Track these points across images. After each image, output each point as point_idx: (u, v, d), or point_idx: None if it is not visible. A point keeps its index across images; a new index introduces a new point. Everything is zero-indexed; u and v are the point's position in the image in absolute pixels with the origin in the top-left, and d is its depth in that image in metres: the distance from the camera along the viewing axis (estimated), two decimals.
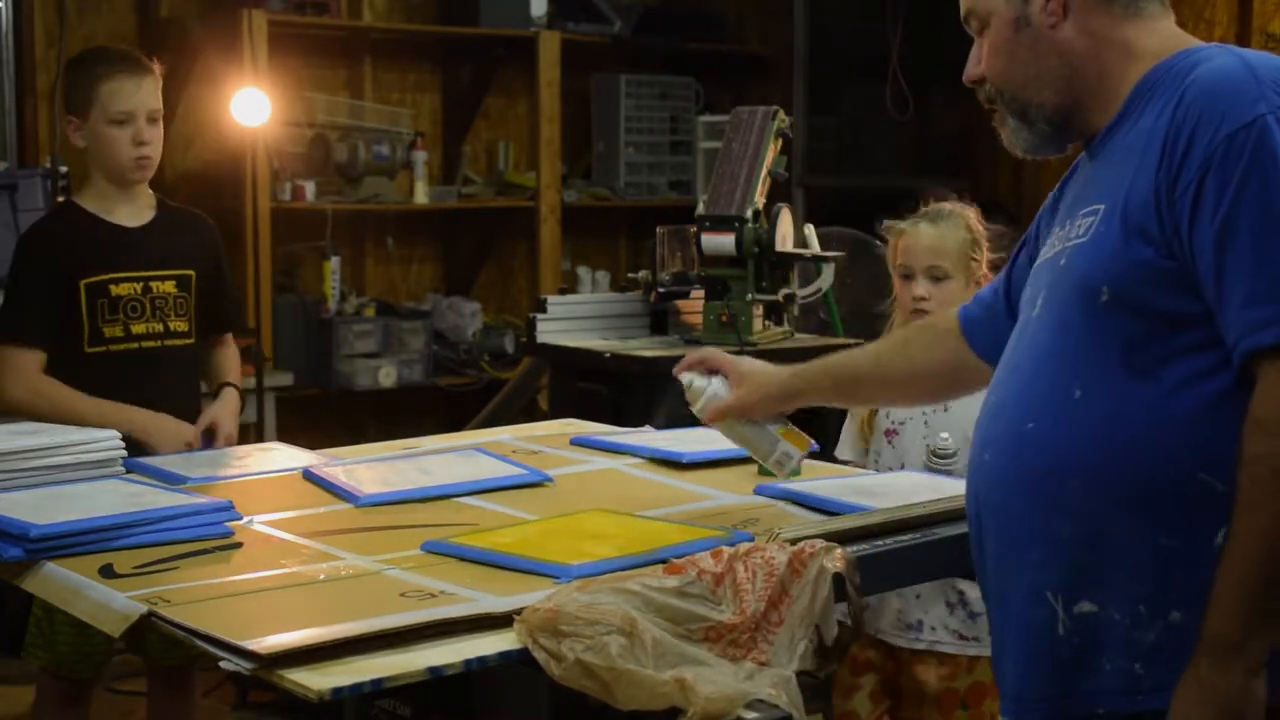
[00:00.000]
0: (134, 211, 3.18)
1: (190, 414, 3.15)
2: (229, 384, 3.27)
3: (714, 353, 2.35)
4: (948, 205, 3.02)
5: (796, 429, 2.35)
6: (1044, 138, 1.91)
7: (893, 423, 2.98)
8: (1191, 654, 1.61)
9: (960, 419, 2.87)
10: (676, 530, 2.16)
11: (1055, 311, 1.76)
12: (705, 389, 2.30)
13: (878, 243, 4.61)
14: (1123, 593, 1.66)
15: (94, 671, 3.10)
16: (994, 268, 2.99)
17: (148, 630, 2.92)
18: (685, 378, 2.33)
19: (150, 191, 3.24)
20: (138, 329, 3.12)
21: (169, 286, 3.17)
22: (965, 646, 2.87)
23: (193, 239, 3.26)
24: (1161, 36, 1.85)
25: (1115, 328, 1.68)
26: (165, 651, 3.10)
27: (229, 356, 3.37)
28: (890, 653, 2.90)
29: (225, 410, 3.19)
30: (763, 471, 2.59)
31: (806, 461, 2.68)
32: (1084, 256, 1.73)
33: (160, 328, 3.15)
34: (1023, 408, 1.75)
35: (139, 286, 3.13)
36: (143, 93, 3.10)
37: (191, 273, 3.20)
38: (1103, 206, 1.74)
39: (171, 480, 2.55)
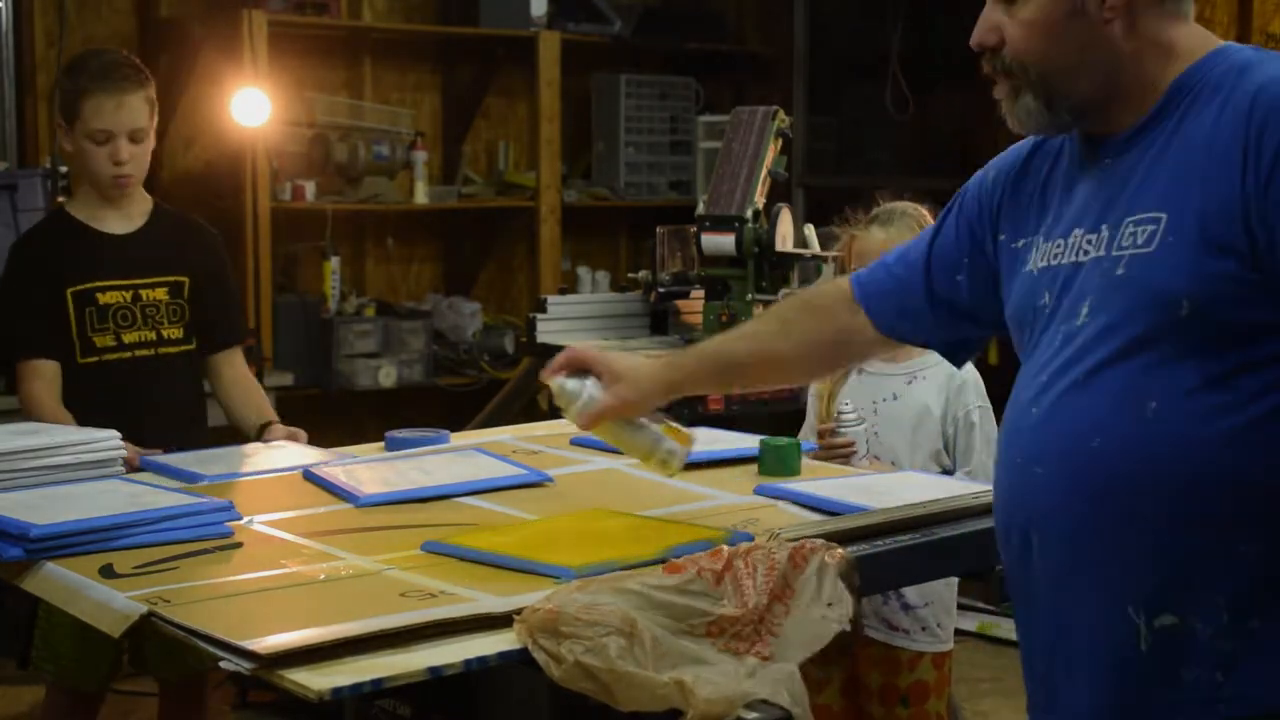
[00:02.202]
0: (123, 218, 3.13)
1: (193, 421, 3.12)
2: (272, 422, 3.11)
3: (583, 351, 2.22)
4: (899, 206, 3.03)
5: (676, 424, 2.27)
6: (1058, 125, 1.83)
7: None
8: None
9: (910, 405, 2.91)
10: (676, 530, 2.16)
11: (1119, 322, 1.69)
12: (580, 393, 2.17)
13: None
14: (1205, 604, 1.65)
15: (99, 684, 3.06)
16: None
17: (145, 642, 2.92)
18: (555, 382, 2.20)
19: (146, 196, 3.20)
20: (129, 338, 3.08)
21: (160, 294, 3.11)
22: (893, 636, 2.90)
23: (187, 245, 3.19)
24: (1197, 36, 1.78)
25: (1193, 341, 1.64)
26: (165, 665, 3.07)
27: (250, 389, 3.23)
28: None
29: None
30: (763, 471, 2.60)
31: (806, 462, 2.69)
32: (1154, 268, 1.67)
33: (153, 336, 3.10)
34: (1087, 423, 1.70)
35: (128, 295, 3.08)
36: (124, 111, 3.03)
37: (184, 279, 3.14)
38: (1165, 215, 1.68)
39: (184, 478, 2.56)
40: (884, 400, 2.96)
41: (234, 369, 3.23)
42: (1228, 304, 1.63)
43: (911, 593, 2.88)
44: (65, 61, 3.18)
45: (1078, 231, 1.78)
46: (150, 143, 3.11)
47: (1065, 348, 1.75)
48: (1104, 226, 1.75)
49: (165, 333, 3.12)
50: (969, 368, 2.98)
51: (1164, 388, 1.65)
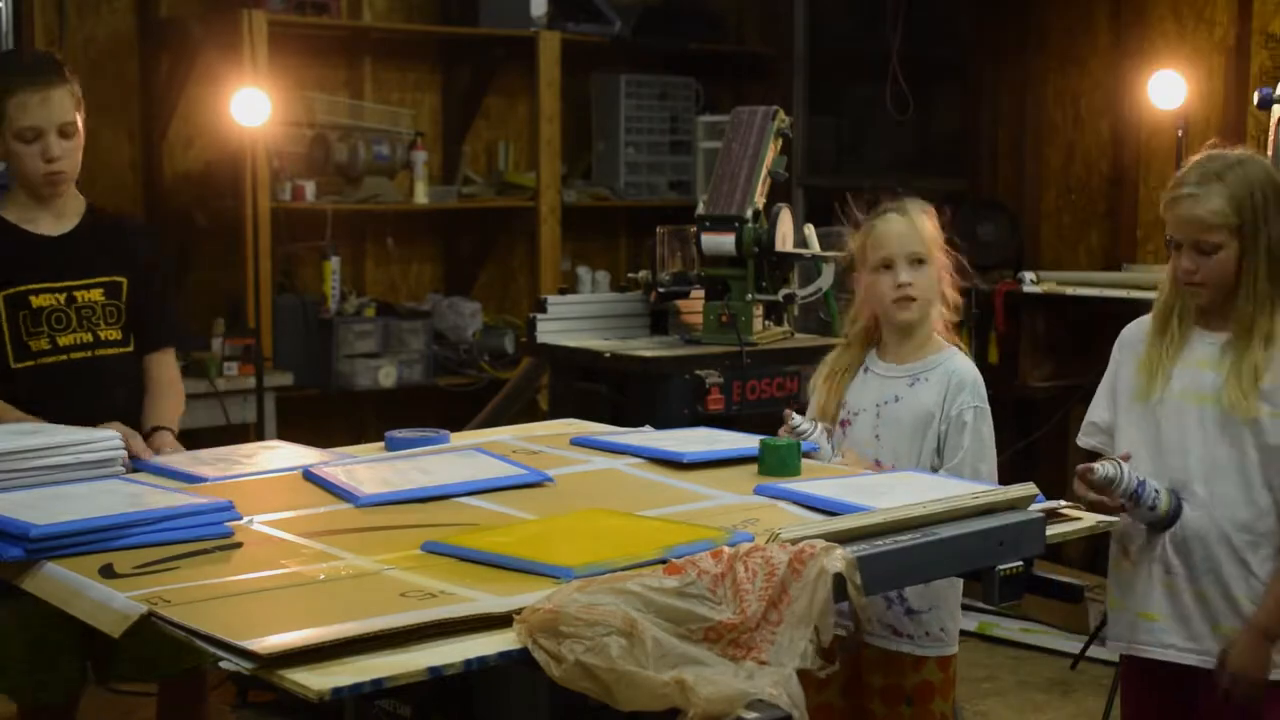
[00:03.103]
0: (56, 220, 3.08)
1: (136, 424, 3.01)
2: (161, 428, 3.03)
3: None
4: (907, 199, 3.02)
5: None
6: None
7: (848, 413, 3.00)
8: None
9: (912, 406, 2.91)
10: (676, 530, 2.16)
11: None
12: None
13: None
14: None
15: (64, 698, 2.97)
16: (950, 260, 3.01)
17: (116, 654, 2.88)
18: None
19: (80, 197, 3.15)
20: (65, 340, 3.02)
21: (96, 294, 3.06)
22: (899, 643, 2.89)
23: (123, 245, 3.14)
24: None
25: None
26: (165, 663, 3.01)
27: (165, 385, 3.15)
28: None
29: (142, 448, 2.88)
30: (763, 471, 2.60)
31: (806, 462, 2.69)
32: None
33: (89, 338, 3.04)
34: None
35: (62, 297, 3.02)
36: (50, 107, 3.00)
37: (122, 280, 3.09)
38: None
39: (184, 479, 2.56)
40: (886, 402, 2.96)
41: (161, 370, 3.16)
42: None
43: (915, 598, 2.88)
44: None
45: None
46: (80, 139, 3.07)
47: None
48: None
49: (103, 334, 3.06)
50: (970, 368, 2.98)
51: None
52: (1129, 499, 2.68)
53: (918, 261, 2.93)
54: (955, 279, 3.02)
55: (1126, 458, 2.73)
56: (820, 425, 2.94)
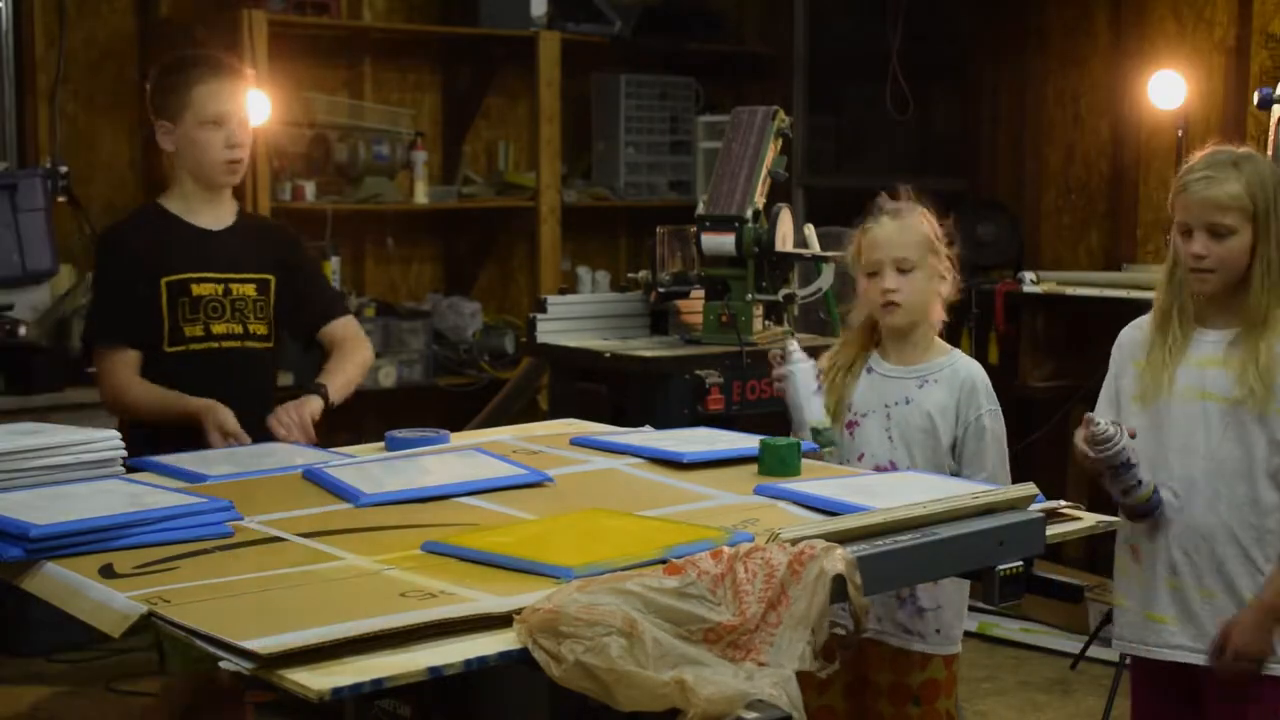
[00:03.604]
0: (216, 215, 3.24)
1: (262, 418, 3.11)
2: (315, 391, 3.18)
3: None
4: (904, 202, 3.04)
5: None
6: None
7: (855, 415, 3.01)
8: None
9: (922, 408, 2.91)
10: (676, 530, 2.16)
11: None
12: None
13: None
14: None
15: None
16: (954, 262, 3.01)
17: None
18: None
19: (233, 199, 3.30)
20: (218, 329, 3.18)
21: (249, 289, 3.22)
22: (909, 640, 2.90)
23: (273, 244, 3.32)
24: None
25: None
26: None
27: (348, 347, 3.32)
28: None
29: (292, 413, 3.08)
30: (763, 471, 2.60)
31: (806, 462, 2.69)
32: None
33: (240, 329, 3.20)
34: None
35: (220, 288, 3.18)
36: (237, 96, 3.17)
37: (271, 277, 3.25)
38: None
39: (186, 478, 2.56)
40: (896, 404, 2.95)
41: (346, 329, 3.36)
42: None
43: (925, 596, 2.89)
44: (159, 65, 3.28)
45: None
46: (250, 133, 3.23)
47: None
48: None
49: (251, 328, 3.22)
50: (979, 370, 2.97)
51: None
52: (1112, 468, 2.70)
53: (905, 268, 2.95)
54: (957, 281, 3.03)
55: (1133, 434, 2.74)
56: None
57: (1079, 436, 2.74)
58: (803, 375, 2.97)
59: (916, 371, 2.97)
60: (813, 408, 2.95)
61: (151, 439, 2.95)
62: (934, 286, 2.98)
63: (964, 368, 2.97)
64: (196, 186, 3.21)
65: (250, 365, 3.23)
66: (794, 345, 3.01)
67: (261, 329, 3.24)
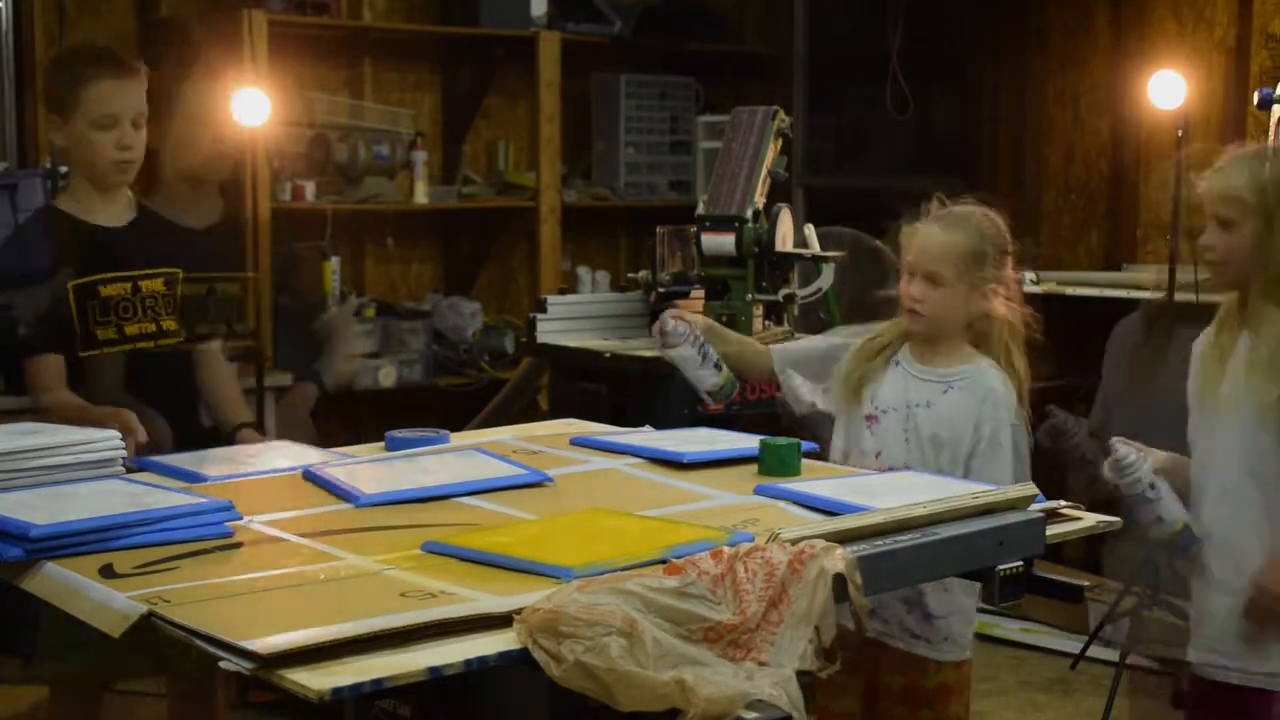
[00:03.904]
0: (114, 213, 3.15)
1: (190, 414, 3.12)
2: (245, 425, 3.18)
3: None
4: (962, 209, 2.97)
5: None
6: None
7: (876, 409, 2.97)
8: None
9: (943, 413, 2.89)
10: (676, 530, 2.16)
11: None
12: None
13: (878, 242, 4.62)
14: None
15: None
16: (1011, 280, 2.96)
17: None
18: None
19: (129, 193, 3.21)
20: (131, 330, 3.09)
21: (158, 285, 3.13)
22: (915, 645, 2.90)
23: (173, 237, 3.23)
24: None
25: None
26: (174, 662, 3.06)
27: (227, 376, 3.28)
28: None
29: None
30: (763, 471, 2.60)
31: (806, 462, 2.69)
32: None
33: (153, 327, 3.12)
34: None
35: (128, 286, 3.09)
36: (128, 96, 3.08)
37: (177, 271, 3.16)
38: None
39: (185, 478, 2.56)
40: (918, 405, 2.92)
41: (218, 361, 3.28)
42: None
43: (934, 603, 2.87)
44: (50, 59, 3.18)
45: None
46: (145, 130, 3.14)
47: None
48: None
49: (164, 324, 3.13)
50: (1003, 383, 2.91)
51: None
52: (1131, 498, 2.68)
53: (937, 281, 2.90)
54: (1016, 293, 2.97)
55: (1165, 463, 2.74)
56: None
57: (1105, 464, 2.73)
58: (682, 360, 3.07)
59: (942, 376, 2.93)
60: (704, 381, 3.08)
61: None
62: (968, 301, 2.91)
63: (987, 378, 2.91)
64: (91, 186, 3.13)
65: (167, 363, 3.15)
66: (671, 325, 3.09)
67: (172, 324, 3.15)
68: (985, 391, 2.90)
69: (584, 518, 2.27)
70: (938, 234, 2.92)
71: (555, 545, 2.08)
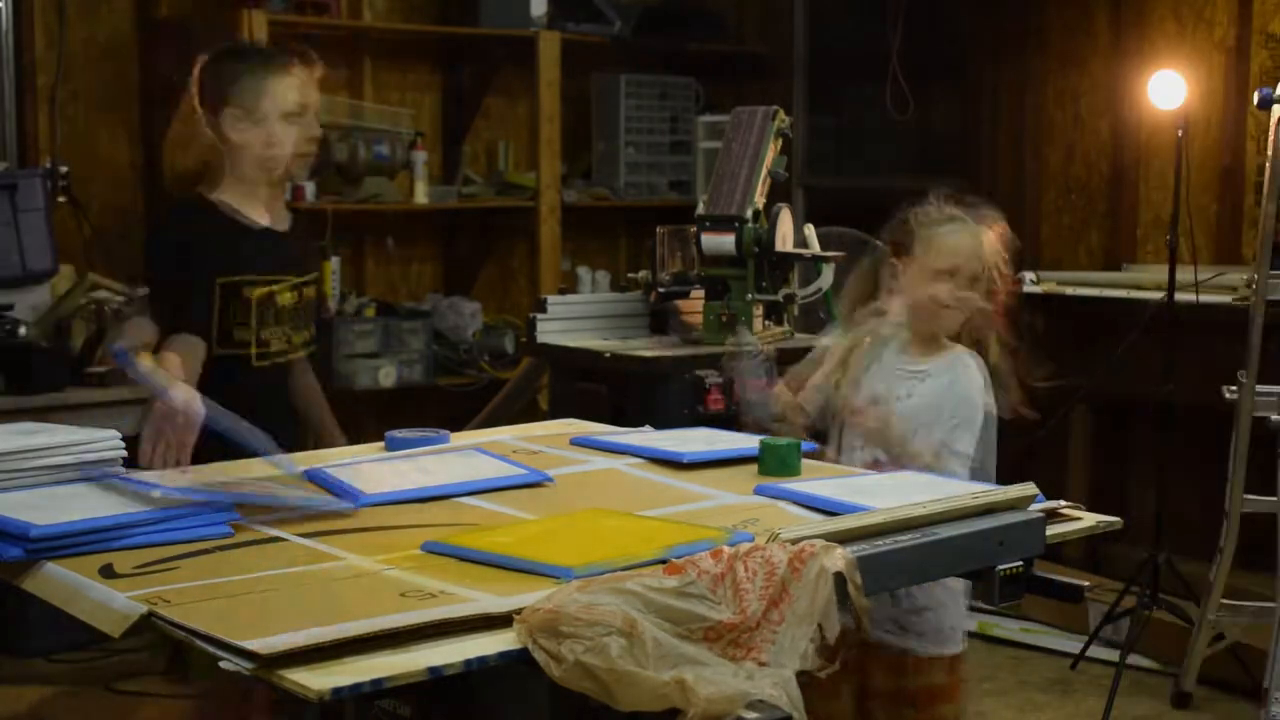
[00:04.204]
0: (269, 212, 3.15)
1: (286, 428, 3.05)
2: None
3: None
4: (985, 210, 3.06)
5: None
6: None
7: (862, 401, 3.00)
8: None
9: (924, 400, 2.91)
10: (676, 530, 2.16)
11: None
12: None
13: (878, 242, 4.61)
14: None
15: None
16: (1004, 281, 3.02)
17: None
18: None
19: (278, 193, 3.23)
20: (267, 334, 3.10)
21: (297, 294, 3.14)
22: (903, 638, 2.89)
23: (314, 247, 3.31)
24: None
25: None
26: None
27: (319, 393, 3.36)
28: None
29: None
30: (763, 471, 2.60)
31: (806, 461, 2.69)
32: None
33: (283, 333, 3.13)
34: None
35: (267, 290, 3.09)
36: (301, 92, 3.10)
37: (309, 278, 3.20)
38: None
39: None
40: (899, 399, 2.96)
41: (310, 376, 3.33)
42: None
43: (921, 596, 2.88)
44: (221, 51, 3.16)
45: None
46: (298, 129, 3.13)
47: None
48: None
49: (296, 338, 3.16)
50: (979, 367, 2.98)
51: None
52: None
53: (972, 279, 2.97)
54: (1014, 291, 3.06)
55: None
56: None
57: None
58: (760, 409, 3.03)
59: (922, 368, 2.99)
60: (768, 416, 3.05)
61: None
62: (983, 298, 3.01)
63: (962, 362, 2.98)
64: (251, 182, 3.11)
65: (292, 371, 3.19)
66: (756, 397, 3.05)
67: (306, 335, 3.19)
68: (958, 374, 2.96)
69: (584, 518, 2.27)
70: (977, 236, 3.00)
71: (555, 545, 2.08)
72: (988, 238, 3.00)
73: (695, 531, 2.13)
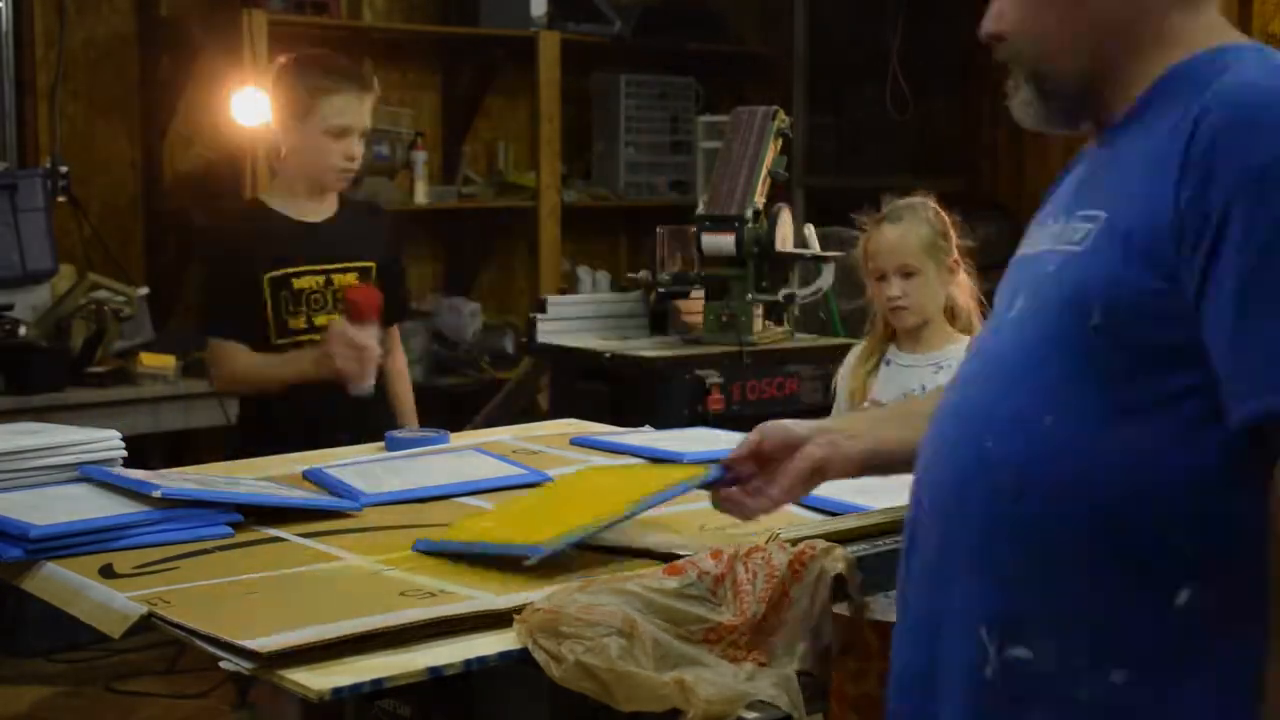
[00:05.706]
0: (317, 208, 3.32)
1: (366, 405, 3.21)
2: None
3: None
4: (905, 201, 3.10)
5: None
6: (1056, 113, 1.72)
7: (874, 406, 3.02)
8: None
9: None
10: (655, 478, 2.17)
11: (1036, 324, 1.54)
12: None
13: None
14: (1061, 642, 1.43)
15: None
16: (965, 254, 3.07)
17: None
18: None
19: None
20: (320, 320, 3.24)
21: (350, 279, 3.28)
22: None
23: (372, 230, 3.41)
24: (1203, 26, 1.55)
25: (1101, 358, 1.44)
26: None
27: (400, 372, 3.58)
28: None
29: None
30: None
31: None
32: (1078, 269, 1.50)
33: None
34: (983, 422, 1.52)
35: (321, 280, 3.25)
36: (364, 110, 3.26)
37: (372, 264, 3.33)
38: (1104, 215, 1.51)
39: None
40: (914, 391, 2.99)
41: (391, 336, 3.47)
42: (1142, 323, 1.43)
43: None
44: (289, 62, 3.35)
45: (1050, 225, 1.65)
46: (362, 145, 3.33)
47: (994, 337, 1.62)
48: (1062, 218, 1.62)
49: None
50: None
51: (1063, 405, 1.46)
52: None
53: (910, 272, 3.01)
54: (971, 267, 3.08)
55: None
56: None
57: None
58: None
59: (932, 359, 3.03)
60: None
61: (265, 422, 3.17)
62: (941, 282, 3.05)
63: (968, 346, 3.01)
64: (304, 186, 3.30)
65: None
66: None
67: None
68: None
69: (580, 479, 2.35)
70: (894, 230, 3.05)
71: (533, 522, 2.09)
72: (909, 227, 3.03)
73: (673, 474, 2.15)
